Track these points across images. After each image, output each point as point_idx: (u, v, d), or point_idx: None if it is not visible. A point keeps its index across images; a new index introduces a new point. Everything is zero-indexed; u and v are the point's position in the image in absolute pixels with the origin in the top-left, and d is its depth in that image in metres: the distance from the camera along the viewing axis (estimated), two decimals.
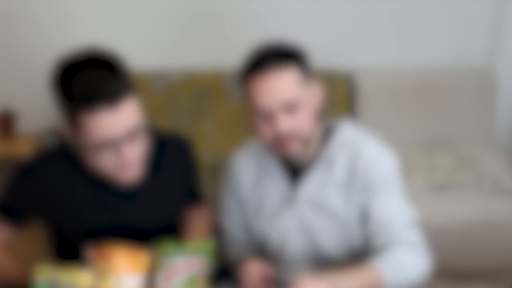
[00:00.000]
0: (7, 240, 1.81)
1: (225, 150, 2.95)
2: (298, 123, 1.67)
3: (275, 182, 1.81)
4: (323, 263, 1.78)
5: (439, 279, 1.82)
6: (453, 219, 2.79)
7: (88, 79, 1.54)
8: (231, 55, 3.17)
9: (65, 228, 1.77)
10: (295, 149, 1.70)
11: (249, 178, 1.85)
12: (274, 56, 1.66)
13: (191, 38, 3.30)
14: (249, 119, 1.73)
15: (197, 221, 1.92)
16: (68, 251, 1.75)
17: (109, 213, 1.75)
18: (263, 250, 1.86)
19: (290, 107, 1.65)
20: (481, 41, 3.41)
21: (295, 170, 1.80)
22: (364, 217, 1.72)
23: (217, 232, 1.95)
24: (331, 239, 1.76)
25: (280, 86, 1.65)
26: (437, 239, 1.88)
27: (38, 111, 3.25)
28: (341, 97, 3.24)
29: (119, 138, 1.57)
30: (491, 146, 3.25)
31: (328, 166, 1.75)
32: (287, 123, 1.66)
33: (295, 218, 1.78)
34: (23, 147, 3.09)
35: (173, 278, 1.61)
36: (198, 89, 3.22)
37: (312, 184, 1.76)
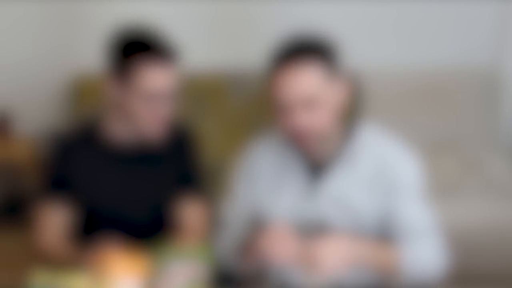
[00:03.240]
0: (69, 223, 1.91)
1: (226, 153, 2.93)
2: (315, 121, 1.67)
3: (294, 175, 1.79)
4: None
5: (443, 283, 1.81)
6: (458, 223, 2.76)
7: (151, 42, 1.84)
8: (235, 56, 3.26)
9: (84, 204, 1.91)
10: (311, 144, 1.70)
11: (267, 168, 1.82)
12: (300, 50, 1.66)
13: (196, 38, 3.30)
14: (270, 110, 1.74)
15: (194, 219, 1.95)
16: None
17: (118, 178, 1.91)
18: None
19: (309, 103, 1.65)
20: (486, 43, 3.41)
21: (315, 166, 1.78)
22: (387, 219, 1.73)
23: (216, 229, 1.93)
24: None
25: (301, 81, 1.65)
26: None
27: (36, 114, 3.23)
28: None
29: (165, 94, 1.82)
30: (496, 148, 3.24)
31: (353, 164, 1.75)
32: (304, 119, 1.66)
33: (314, 213, 1.76)
34: (20, 151, 3.07)
35: (172, 283, 1.59)
36: (198, 90, 3.20)
37: (336, 180, 1.75)
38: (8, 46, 3.24)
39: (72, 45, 3.21)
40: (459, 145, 3.18)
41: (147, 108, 1.82)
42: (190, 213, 1.96)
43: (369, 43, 3.34)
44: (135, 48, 1.82)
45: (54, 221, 1.90)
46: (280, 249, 1.62)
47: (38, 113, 3.22)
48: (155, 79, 1.80)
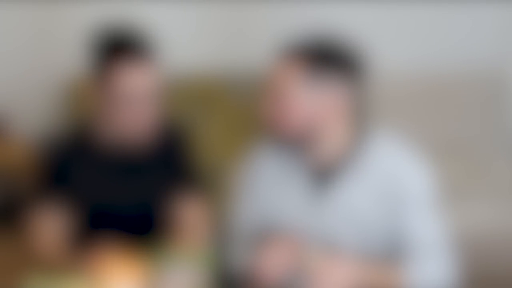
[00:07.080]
0: (64, 226, 1.89)
1: (226, 154, 2.91)
2: (280, 113, 1.69)
3: (298, 183, 1.75)
4: None
5: None
6: (465, 227, 2.74)
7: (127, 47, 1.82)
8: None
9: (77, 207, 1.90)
10: (285, 132, 1.71)
11: (271, 176, 1.79)
12: (299, 50, 1.69)
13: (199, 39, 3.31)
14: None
15: (191, 218, 1.94)
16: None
17: (108, 185, 1.90)
18: None
19: (280, 96, 1.69)
20: (492, 45, 3.43)
21: (320, 173, 1.74)
22: (396, 233, 1.71)
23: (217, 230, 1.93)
24: (352, 249, 1.71)
25: (281, 77, 1.69)
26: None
27: (31, 117, 3.22)
28: None
29: (142, 95, 1.79)
30: (503, 151, 3.26)
31: (362, 174, 1.72)
32: (274, 106, 1.70)
33: (319, 224, 1.73)
34: (16, 154, 3.02)
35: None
36: (199, 91, 3.20)
37: (344, 191, 1.72)
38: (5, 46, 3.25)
39: (66, 47, 3.20)
40: (466, 147, 3.19)
41: (126, 110, 1.81)
42: (187, 212, 1.95)
43: (373, 46, 3.34)
44: (111, 49, 1.82)
45: (50, 224, 1.89)
46: (271, 267, 1.65)
47: (33, 116, 3.22)
48: (130, 80, 1.79)
